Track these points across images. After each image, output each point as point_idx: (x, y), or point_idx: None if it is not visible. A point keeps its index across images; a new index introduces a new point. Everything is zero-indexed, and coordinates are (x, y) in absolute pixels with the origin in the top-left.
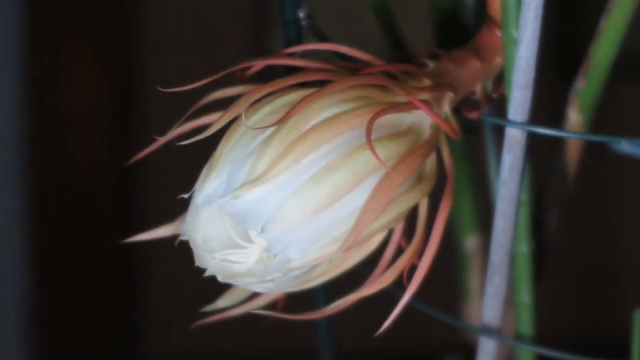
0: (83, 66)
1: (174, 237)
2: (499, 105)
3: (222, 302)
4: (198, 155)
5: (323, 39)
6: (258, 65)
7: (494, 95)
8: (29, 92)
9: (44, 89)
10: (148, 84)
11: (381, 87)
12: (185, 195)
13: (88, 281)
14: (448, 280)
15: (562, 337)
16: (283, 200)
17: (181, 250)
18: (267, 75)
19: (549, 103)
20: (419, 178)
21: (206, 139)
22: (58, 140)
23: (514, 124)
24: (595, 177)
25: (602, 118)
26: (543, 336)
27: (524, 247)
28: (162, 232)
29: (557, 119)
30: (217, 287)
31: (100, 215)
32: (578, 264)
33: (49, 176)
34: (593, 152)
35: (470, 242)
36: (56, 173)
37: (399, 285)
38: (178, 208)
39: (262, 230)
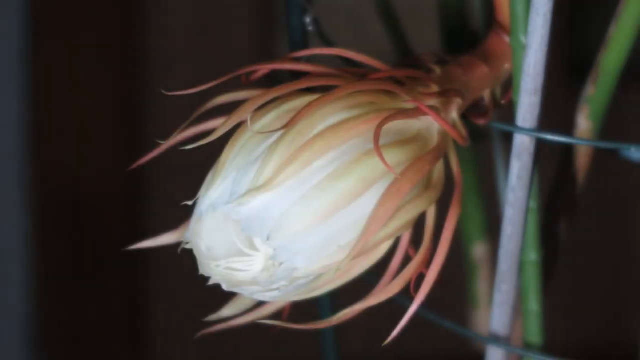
0: (87, 72)
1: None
2: (508, 111)
3: (226, 311)
4: (206, 161)
5: (329, 44)
6: (264, 69)
7: (503, 102)
8: (31, 100)
9: (47, 97)
10: (153, 89)
11: (388, 93)
12: (190, 202)
13: (94, 292)
14: (455, 288)
15: (571, 345)
16: (289, 208)
17: (186, 258)
18: (273, 80)
19: (558, 110)
20: (427, 185)
21: (213, 143)
22: (62, 147)
23: (522, 130)
24: (605, 183)
25: (612, 125)
26: (551, 345)
27: (533, 255)
28: (165, 239)
29: (566, 125)
30: (224, 296)
31: (107, 224)
32: (587, 272)
33: (53, 184)
34: (603, 159)
35: (478, 250)
36: (60, 181)
37: (406, 293)
38: (185, 216)
39: (268, 238)
